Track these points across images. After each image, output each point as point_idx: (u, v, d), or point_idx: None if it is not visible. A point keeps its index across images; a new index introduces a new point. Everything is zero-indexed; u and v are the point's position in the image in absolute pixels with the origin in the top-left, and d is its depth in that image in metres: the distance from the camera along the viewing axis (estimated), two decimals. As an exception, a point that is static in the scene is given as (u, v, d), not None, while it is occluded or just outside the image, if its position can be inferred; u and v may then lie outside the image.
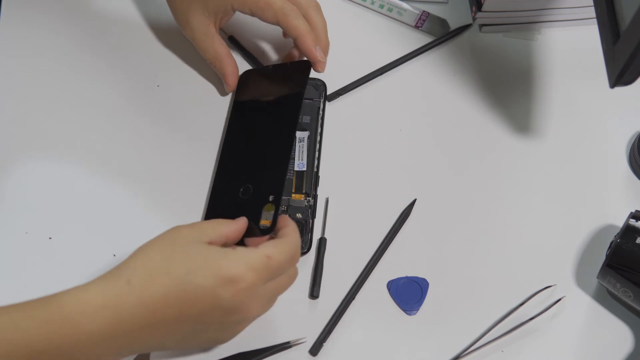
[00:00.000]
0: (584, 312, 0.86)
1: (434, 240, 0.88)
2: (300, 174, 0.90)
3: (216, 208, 0.85)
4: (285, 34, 0.90)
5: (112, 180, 0.90)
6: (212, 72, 0.94)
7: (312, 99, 0.94)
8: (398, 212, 0.89)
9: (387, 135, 0.93)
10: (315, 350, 0.83)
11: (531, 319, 0.84)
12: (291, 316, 0.85)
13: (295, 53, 0.92)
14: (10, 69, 0.95)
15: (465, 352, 0.83)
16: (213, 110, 0.93)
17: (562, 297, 0.85)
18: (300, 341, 0.83)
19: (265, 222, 0.79)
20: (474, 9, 0.98)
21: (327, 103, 0.94)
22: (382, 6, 1.00)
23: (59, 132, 0.92)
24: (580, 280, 0.87)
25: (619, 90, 0.77)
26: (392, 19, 1.00)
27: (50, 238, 0.87)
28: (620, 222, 0.84)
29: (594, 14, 0.81)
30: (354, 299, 0.85)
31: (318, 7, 0.90)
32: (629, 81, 0.75)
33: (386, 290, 0.86)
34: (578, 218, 0.89)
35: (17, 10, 0.98)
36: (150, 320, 0.69)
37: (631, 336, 0.84)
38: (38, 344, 0.67)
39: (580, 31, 0.98)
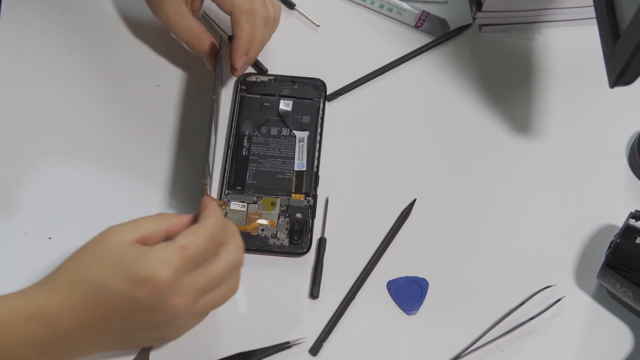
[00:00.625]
0: (584, 312, 0.86)
1: (434, 240, 0.88)
2: (300, 174, 0.90)
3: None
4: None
5: (112, 180, 0.90)
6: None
7: (312, 99, 0.94)
8: (398, 212, 0.89)
9: (387, 135, 0.93)
10: (315, 350, 0.83)
11: (531, 319, 0.84)
12: (291, 316, 0.85)
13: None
14: (9, 69, 0.95)
15: (465, 352, 0.83)
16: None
17: (562, 297, 0.85)
18: (300, 341, 0.83)
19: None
20: (474, 9, 0.98)
21: (327, 103, 0.94)
22: (382, 6, 1.00)
23: (59, 132, 0.92)
24: (580, 280, 0.87)
25: (619, 90, 0.77)
26: (392, 19, 1.00)
27: (50, 238, 0.87)
28: (620, 222, 0.84)
29: (594, 14, 0.81)
30: (354, 299, 0.85)
31: (267, 19, 0.89)
32: (629, 81, 0.75)
33: (386, 290, 0.86)
34: (578, 218, 0.89)
35: (17, 11, 0.98)
36: (78, 325, 0.70)
37: (631, 336, 0.84)
38: None
39: (580, 31, 0.98)
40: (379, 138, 0.93)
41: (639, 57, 0.72)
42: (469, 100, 0.95)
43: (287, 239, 0.87)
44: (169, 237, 0.73)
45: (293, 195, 0.89)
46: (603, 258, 0.82)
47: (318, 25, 0.99)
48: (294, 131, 0.92)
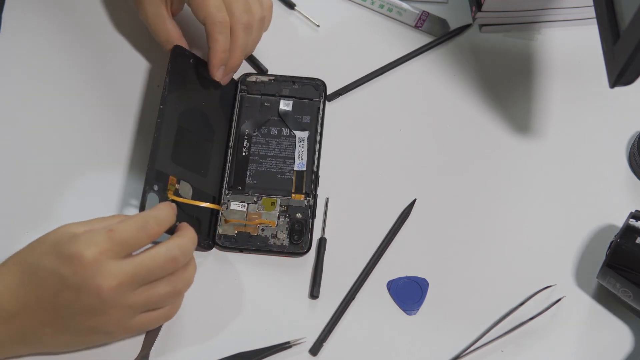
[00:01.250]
0: (584, 312, 0.86)
1: (434, 240, 0.88)
2: (300, 174, 0.90)
3: None
4: None
5: (113, 181, 0.90)
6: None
7: (312, 99, 0.94)
8: (398, 212, 0.89)
9: (387, 135, 0.93)
10: (315, 350, 0.83)
11: (531, 319, 0.84)
12: (291, 316, 0.85)
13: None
14: (9, 69, 0.95)
15: (465, 352, 0.83)
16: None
17: (562, 297, 0.85)
18: (300, 341, 0.83)
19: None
20: (474, 9, 0.98)
21: (327, 103, 0.94)
22: (382, 6, 1.00)
23: (59, 133, 0.92)
24: (580, 280, 0.87)
25: (619, 90, 0.77)
26: (392, 19, 1.00)
27: (50, 238, 0.87)
28: (620, 222, 0.84)
29: (594, 14, 0.81)
30: (354, 299, 0.85)
31: (248, 26, 0.88)
32: (629, 81, 0.75)
33: (386, 290, 0.86)
34: (578, 218, 0.89)
35: (17, 12, 0.98)
36: (16, 306, 0.73)
37: (631, 336, 0.84)
38: None
39: (580, 31, 0.98)
40: (379, 138, 0.93)
41: (639, 57, 0.72)
42: (469, 100, 0.95)
43: (287, 239, 0.87)
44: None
45: (293, 195, 0.89)
46: (603, 258, 0.82)
47: (318, 25, 0.99)
48: (294, 131, 0.92)
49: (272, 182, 0.90)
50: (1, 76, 0.94)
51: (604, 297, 0.86)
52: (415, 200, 0.90)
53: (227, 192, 0.89)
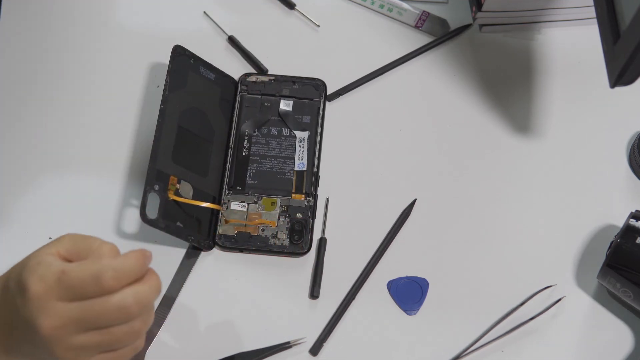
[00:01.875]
0: (584, 312, 0.86)
1: (434, 240, 0.88)
2: (300, 174, 0.90)
3: None
4: None
5: (113, 180, 0.90)
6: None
7: (312, 99, 0.94)
8: (398, 212, 0.89)
9: (387, 135, 0.93)
10: (315, 350, 0.83)
11: (531, 319, 0.84)
12: (291, 316, 0.85)
13: None
14: (8, 69, 0.95)
15: (465, 352, 0.83)
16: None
17: (562, 297, 0.85)
18: (300, 341, 0.83)
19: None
20: (474, 9, 0.98)
21: (327, 103, 0.94)
22: (382, 6, 1.00)
23: (59, 133, 0.92)
24: (580, 280, 0.87)
25: (619, 90, 0.77)
26: (392, 19, 1.00)
27: (50, 238, 0.87)
28: (620, 222, 0.84)
29: (594, 14, 0.81)
30: (354, 299, 0.85)
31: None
32: (629, 81, 0.75)
33: (386, 290, 0.86)
34: (578, 218, 0.89)
35: (17, 12, 0.98)
36: None
37: (631, 336, 0.84)
38: None
39: (580, 31, 0.98)
40: (379, 138, 0.93)
41: (639, 57, 0.72)
42: (469, 100, 0.95)
43: (288, 239, 0.87)
44: (81, 258, 0.70)
45: (293, 195, 0.89)
46: (603, 258, 0.82)
47: (318, 25, 0.99)
48: (294, 131, 0.92)
49: (272, 182, 0.90)
50: (1, 76, 0.94)
51: (604, 297, 0.86)
52: (415, 200, 0.90)
53: (227, 192, 0.89)
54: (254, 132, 0.92)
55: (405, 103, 0.95)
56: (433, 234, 0.89)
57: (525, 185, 0.91)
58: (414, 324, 0.85)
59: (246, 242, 0.87)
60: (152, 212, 0.83)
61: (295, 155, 0.91)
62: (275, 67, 0.96)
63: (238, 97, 0.94)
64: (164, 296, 0.85)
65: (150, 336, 0.83)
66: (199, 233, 0.86)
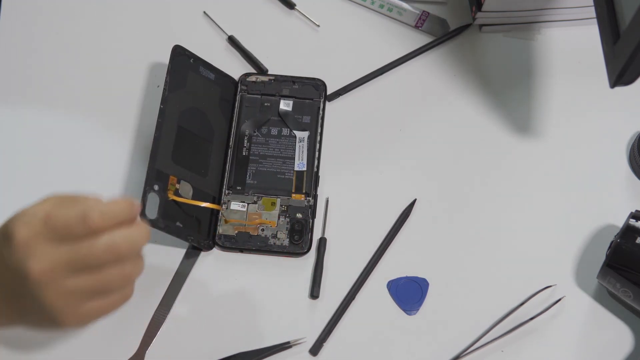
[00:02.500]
0: (584, 312, 0.86)
1: (434, 240, 0.88)
2: (300, 174, 0.90)
3: None
4: None
5: (113, 180, 0.90)
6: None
7: (312, 99, 0.94)
8: (398, 212, 0.89)
9: (387, 135, 0.93)
10: (315, 350, 0.83)
11: (531, 319, 0.84)
12: (291, 316, 0.85)
13: None
14: (8, 68, 0.95)
15: (465, 352, 0.83)
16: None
17: (562, 297, 0.85)
18: (300, 341, 0.83)
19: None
20: (474, 9, 0.98)
21: (327, 103, 0.94)
22: (382, 6, 0.99)
23: (58, 132, 0.92)
24: (580, 280, 0.87)
25: (619, 90, 0.77)
26: (392, 19, 1.00)
27: (50, 238, 0.87)
28: (620, 222, 0.84)
29: (594, 14, 0.81)
30: (354, 299, 0.85)
31: None
32: (629, 81, 0.75)
33: (386, 290, 0.86)
34: (578, 218, 0.89)
35: (17, 13, 0.98)
36: None
37: (631, 336, 0.84)
38: None
39: (580, 31, 0.98)
40: (379, 138, 0.93)
41: (639, 57, 0.72)
42: (468, 100, 0.95)
43: (287, 239, 0.87)
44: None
45: (293, 195, 0.89)
46: (603, 258, 0.82)
47: (318, 25, 0.99)
48: (294, 131, 0.92)
49: (272, 182, 0.90)
50: (1, 76, 0.94)
51: (604, 297, 0.86)
52: (415, 200, 0.90)
53: (227, 192, 0.89)
54: (254, 132, 0.92)
55: (405, 103, 0.95)
56: (433, 234, 0.89)
57: (525, 185, 0.91)
58: (414, 324, 0.85)
59: (246, 242, 0.87)
60: (152, 212, 0.83)
61: (295, 155, 0.91)
62: (275, 67, 0.96)
63: (238, 97, 0.94)
64: (164, 296, 0.85)
65: (150, 336, 0.83)
66: (198, 233, 0.86)
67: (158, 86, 0.94)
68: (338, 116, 0.94)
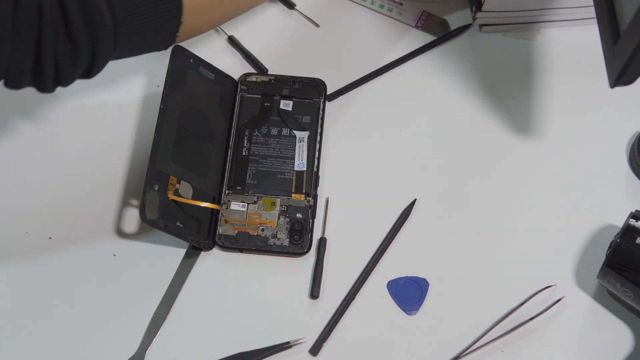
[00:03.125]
0: (584, 312, 0.86)
1: (434, 240, 0.88)
2: (300, 174, 0.90)
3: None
4: None
5: (113, 180, 0.90)
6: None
7: (312, 99, 0.94)
8: (398, 212, 0.89)
9: (387, 135, 0.93)
10: (315, 350, 0.83)
11: (531, 319, 0.84)
12: (291, 316, 0.85)
13: None
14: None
15: (465, 352, 0.83)
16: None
17: (562, 297, 0.85)
18: (300, 341, 0.83)
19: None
20: (474, 9, 0.98)
21: (327, 103, 0.94)
22: (382, 6, 1.00)
23: (59, 132, 0.92)
24: (580, 280, 0.87)
25: (619, 90, 0.77)
26: (392, 19, 1.00)
27: (50, 238, 0.87)
28: (620, 222, 0.84)
29: (594, 14, 0.81)
30: (354, 299, 0.85)
31: None
32: (629, 81, 0.75)
33: (386, 290, 0.86)
34: (578, 218, 0.89)
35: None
36: None
37: (631, 336, 0.84)
38: None
39: (580, 31, 0.98)
40: (379, 138, 0.93)
41: (639, 57, 0.72)
42: (469, 100, 0.95)
43: (287, 239, 0.87)
44: None
45: (293, 195, 0.89)
46: (603, 258, 0.82)
47: (318, 25, 0.99)
48: (294, 131, 0.92)
49: (272, 182, 0.90)
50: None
51: (604, 297, 0.86)
52: (415, 200, 0.90)
53: (227, 192, 0.89)
54: (254, 132, 0.92)
55: (405, 103, 0.95)
56: (433, 234, 0.89)
57: (525, 185, 0.91)
58: (414, 324, 0.85)
59: (246, 242, 0.87)
60: (152, 212, 0.83)
61: (295, 155, 0.91)
62: (275, 67, 0.96)
63: (238, 97, 0.94)
64: (164, 296, 0.85)
65: (150, 336, 0.83)
66: (198, 233, 0.86)
67: (158, 86, 0.94)
68: (338, 116, 0.94)
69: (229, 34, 0.98)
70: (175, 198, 0.85)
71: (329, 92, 0.95)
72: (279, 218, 0.88)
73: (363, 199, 0.90)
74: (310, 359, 0.83)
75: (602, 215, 0.89)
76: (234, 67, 0.95)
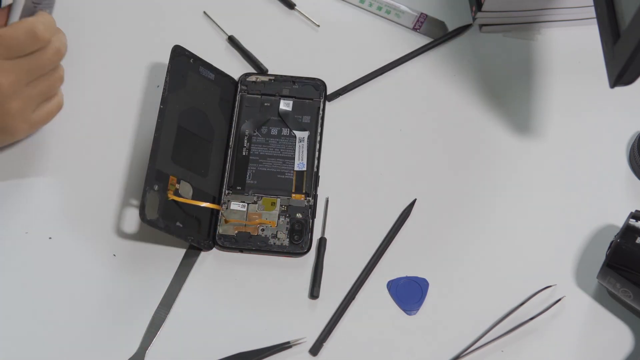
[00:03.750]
0: (584, 312, 0.86)
1: (434, 240, 0.88)
2: (300, 174, 0.90)
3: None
4: None
5: (113, 180, 0.90)
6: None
7: (312, 99, 0.94)
8: (398, 212, 0.89)
9: (387, 135, 0.93)
10: (315, 350, 0.83)
11: (531, 319, 0.84)
12: (291, 316, 0.85)
13: None
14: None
15: (465, 352, 0.83)
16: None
17: (562, 297, 0.85)
18: (300, 341, 0.83)
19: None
20: (474, 9, 0.98)
21: (327, 103, 0.94)
22: (380, 8, 0.99)
23: (59, 131, 0.92)
24: (580, 280, 0.87)
25: (619, 90, 0.77)
26: (391, 21, 1.00)
27: (50, 238, 0.87)
28: (620, 222, 0.84)
29: (594, 14, 0.81)
30: (354, 299, 0.85)
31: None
32: (629, 81, 0.75)
33: (386, 290, 0.86)
34: (578, 218, 0.89)
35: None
36: None
37: (631, 336, 0.84)
38: None
39: (580, 31, 0.98)
40: (379, 138, 0.93)
41: (639, 57, 0.72)
42: (469, 100, 0.95)
43: (287, 239, 0.87)
44: None
45: (293, 195, 0.89)
46: (603, 258, 0.82)
47: (318, 25, 0.99)
48: (294, 131, 0.92)
49: (272, 182, 0.90)
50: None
51: (604, 297, 0.86)
52: (415, 200, 0.90)
53: (227, 192, 0.89)
54: (254, 132, 0.92)
55: (405, 103, 0.95)
56: (433, 234, 0.89)
57: (525, 185, 0.91)
58: (414, 324, 0.85)
59: (246, 242, 0.87)
60: (152, 212, 0.83)
61: (295, 155, 0.91)
62: (275, 67, 0.96)
63: (238, 97, 0.94)
64: (164, 296, 0.85)
65: (150, 336, 0.83)
66: (198, 233, 0.86)
67: (158, 86, 0.94)
68: (338, 116, 0.94)
69: (229, 34, 0.98)
70: (175, 198, 0.85)
71: (328, 92, 0.95)
72: (279, 218, 0.88)
73: (363, 199, 0.90)
74: (310, 359, 0.83)
75: (602, 215, 0.89)
76: (234, 67, 0.95)
